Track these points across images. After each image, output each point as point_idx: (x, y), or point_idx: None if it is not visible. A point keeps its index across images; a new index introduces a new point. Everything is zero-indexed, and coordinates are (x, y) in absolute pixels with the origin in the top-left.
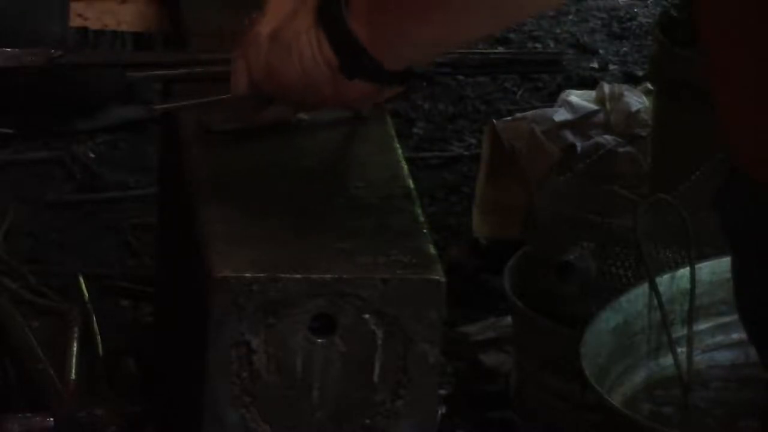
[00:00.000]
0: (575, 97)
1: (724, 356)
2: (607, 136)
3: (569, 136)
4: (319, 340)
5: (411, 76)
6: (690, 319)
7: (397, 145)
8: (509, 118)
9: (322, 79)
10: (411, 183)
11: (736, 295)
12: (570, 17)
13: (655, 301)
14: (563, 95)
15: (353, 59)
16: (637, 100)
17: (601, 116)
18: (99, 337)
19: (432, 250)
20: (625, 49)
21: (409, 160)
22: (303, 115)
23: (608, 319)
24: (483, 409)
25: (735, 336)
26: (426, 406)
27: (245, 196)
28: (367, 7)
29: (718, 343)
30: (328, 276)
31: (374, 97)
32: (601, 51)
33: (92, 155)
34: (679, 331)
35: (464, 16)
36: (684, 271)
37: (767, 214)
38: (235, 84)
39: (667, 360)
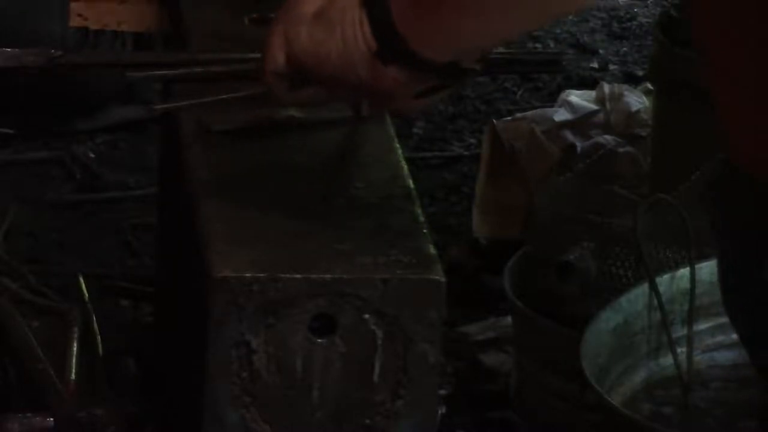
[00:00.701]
0: (575, 97)
1: (724, 356)
2: (607, 136)
3: (569, 136)
4: (319, 340)
5: (455, 73)
6: (690, 319)
7: (397, 145)
8: (509, 118)
9: (361, 60)
10: (411, 183)
11: (725, 293)
12: (570, 17)
13: (655, 301)
14: (563, 95)
15: (389, 45)
16: (637, 100)
17: (601, 116)
18: (99, 337)
19: (432, 250)
20: (625, 49)
21: (409, 160)
22: (295, 113)
23: (608, 319)
24: (483, 409)
25: (735, 336)
26: (426, 406)
27: (245, 196)
28: None
29: (718, 343)
30: (328, 276)
31: (408, 88)
32: (601, 51)
33: (92, 155)
34: (679, 331)
35: (507, 10)
36: (684, 271)
37: (763, 211)
38: (270, 61)
39: (667, 360)
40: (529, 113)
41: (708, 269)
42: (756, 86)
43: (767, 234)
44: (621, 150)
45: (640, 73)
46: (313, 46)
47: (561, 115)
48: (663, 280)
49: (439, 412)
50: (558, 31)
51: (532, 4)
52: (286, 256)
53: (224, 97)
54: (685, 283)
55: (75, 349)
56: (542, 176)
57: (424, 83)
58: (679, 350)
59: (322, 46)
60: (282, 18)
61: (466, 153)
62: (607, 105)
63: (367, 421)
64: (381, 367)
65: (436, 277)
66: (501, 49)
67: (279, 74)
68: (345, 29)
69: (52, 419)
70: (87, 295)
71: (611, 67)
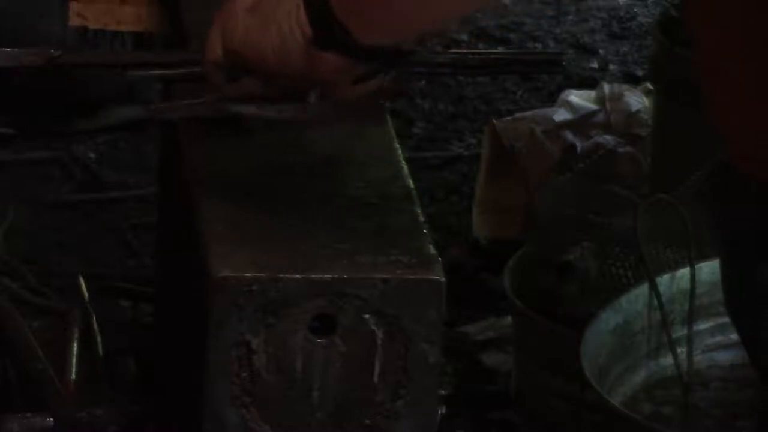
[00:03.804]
0: (575, 97)
1: (724, 356)
2: (607, 136)
3: (569, 136)
4: (319, 340)
5: (394, 57)
6: (690, 319)
7: (397, 145)
8: (509, 118)
9: (296, 50)
10: (411, 183)
11: (726, 294)
12: (570, 17)
13: (655, 301)
14: (563, 95)
15: (326, 31)
16: (637, 100)
17: (601, 116)
18: (99, 337)
19: (432, 250)
20: (625, 49)
21: (409, 160)
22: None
23: (608, 319)
24: (483, 409)
25: (735, 336)
26: (426, 406)
27: (245, 196)
28: None
29: (718, 343)
30: (328, 276)
31: (347, 73)
32: (601, 51)
33: (92, 155)
34: (679, 331)
35: None
36: (684, 271)
37: (758, 210)
38: (208, 52)
39: (667, 360)
40: (529, 113)
41: (708, 269)
42: (748, 84)
43: (764, 233)
44: (621, 150)
45: (640, 73)
46: (249, 37)
47: (561, 115)
48: (663, 280)
49: (439, 412)
50: (558, 31)
51: None
52: (286, 256)
53: (223, 97)
54: (685, 283)
55: (75, 349)
56: (542, 176)
57: (363, 69)
58: (679, 350)
59: (258, 38)
60: (222, 9)
61: (466, 153)
62: (607, 105)
63: (367, 421)
64: (381, 367)
65: (436, 277)
66: (501, 49)
67: (217, 65)
68: (280, 20)
69: (52, 419)
70: (87, 295)
71: (611, 67)
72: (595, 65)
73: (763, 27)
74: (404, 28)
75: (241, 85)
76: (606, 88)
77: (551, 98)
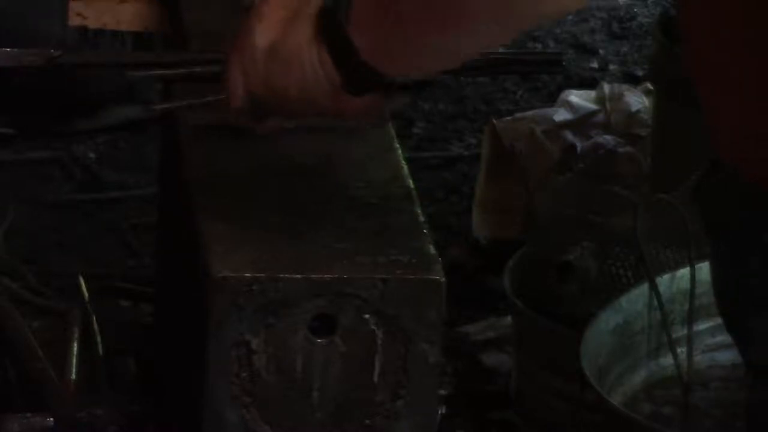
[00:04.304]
0: (575, 97)
1: (724, 356)
2: (607, 136)
3: (569, 136)
4: (319, 340)
5: (418, 86)
6: (690, 319)
7: (397, 145)
8: (509, 118)
9: (323, 95)
10: (411, 183)
11: (717, 291)
12: (570, 17)
13: (655, 301)
14: (563, 95)
15: (356, 74)
16: (637, 100)
17: (601, 116)
18: (99, 337)
19: (432, 250)
20: (625, 49)
21: (409, 160)
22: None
23: (608, 319)
24: (483, 409)
25: None
26: (426, 406)
27: (245, 196)
28: (371, 13)
29: (718, 343)
30: (328, 276)
31: (378, 108)
32: (601, 51)
33: (92, 155)
34: (679, 331)
35: (477, 26)
36: (684, 271)
37: (747, 210)
38: (231, 95)
39: (667, 360)
40: (529, 113)
41: (708, 269)
42: (741, 84)
43: (752, 233)
44: (621, 150)
45: (640, 73)
46: (272, 82)
47: (561, 115)
48: (663, 280)
49: (439, 412)
50: (558, 31)
51: (495, 22)
52: (286, 256)
53: (224, 96)
54: (685, 283)
55: (75, 349)
56: (542, 176)
57: (391, 103)
58: (679, 350)
59: (281, 84)
60: (238, 49)
61: (466, 153)
62: (607, 105)
63: (367, 421)
64: (381, 367)
65: (436, 277)
66: (501, 49)
67: (243, 110)
68: (303, 67)
69: (52, 419)
70: (87, 295)
71: (611, 67)
72: (595, 65)
73: (756, 28)
74: (434, 64)
75: (271, 125)
76: (606, 88)
77: (551, 98)
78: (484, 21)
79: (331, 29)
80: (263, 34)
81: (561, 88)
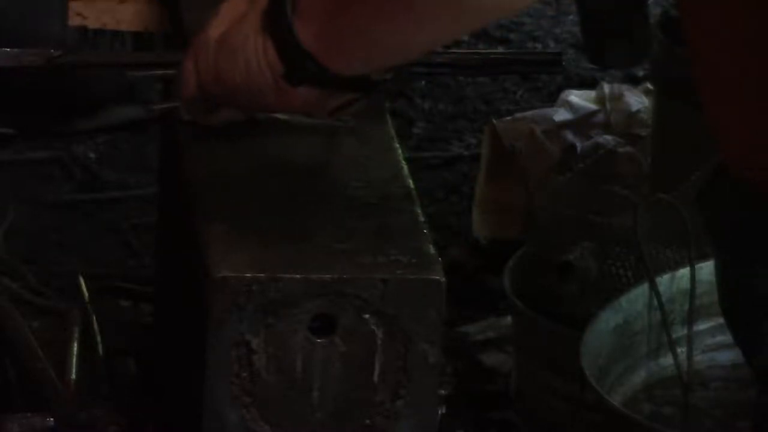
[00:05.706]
0: (575, 97)
1: (724, 356)
2: (607, 136)
3: (569, 136)
4: (319, 340)
5: (369, 85)
6: (690, 319)
7: (397, 145)
8: (509, 118)
9: (266, 85)
10: (411, 183)
11: (721, 295)
12: (570, 17)
13: (655, 301)
14: (563, 95)
15: (297, 65)
16: (637, 100)
17: (601, 116)
18: (99, 337)
19: (432, 250)
20: None
21: (409, 160)
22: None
23: (608, 319)
24: (483, 409)
25: None
26: (426, 406)
27: (245, 196)
28: (318, 7)
29: (718, 343)
30: (328, 276)
31: (322, 104)
32: None
33: (92, 155)
34: (679, 331)
35: (425, 20)
36: (684, 271)
37: (753, 215)
38: (184, 85)
39: (667, 360)
40: (529, 113)
41: (708, 269)
42: (744, 87)
43: (757, 237)
44: (621, 150)
45: (640, 73)
46: (219, 76)
47: (561, 115)
48: (663, 280)
49: (439, 412)
50: (558, 31)
51: (443, 18)
52: (286, 256)
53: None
54: (685, 283)
55: (75, 349)
56: (542, 176)
57: (335, 99)
58: (679, 350)
59: (227, 77)
60: (193, 41)
61: (466, 153)
62: (607, 105)
63: (367, 421)
64: (381, 367)
65: (436, 277)
66: (501, 49)
67: (194, 98)
68: (248, 57)
69: (52, 419)
70: (87, 295)
71: None
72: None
73: (759, 28)
74: (380, 59)
75: (222, 116)
76: (606, 88)
77: (551, 98)
78: (432, 15)
79: (274, 19)
80: (217, 26)
81: (561, 88)
